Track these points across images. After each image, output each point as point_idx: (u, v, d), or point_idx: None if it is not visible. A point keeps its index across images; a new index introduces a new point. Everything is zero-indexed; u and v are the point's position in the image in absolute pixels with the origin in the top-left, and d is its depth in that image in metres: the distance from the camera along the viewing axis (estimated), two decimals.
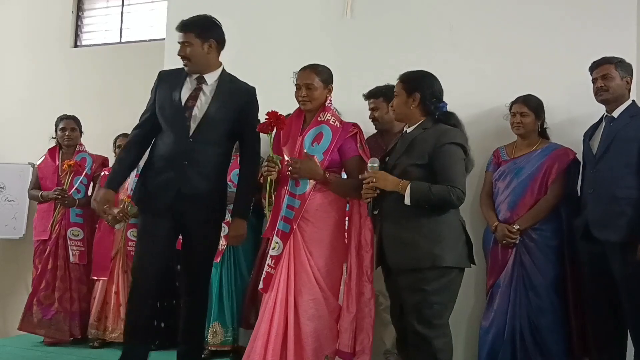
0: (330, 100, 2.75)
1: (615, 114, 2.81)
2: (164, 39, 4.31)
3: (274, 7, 4.04)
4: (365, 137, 3.45)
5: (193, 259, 2.83)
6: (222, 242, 3.55)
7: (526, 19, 3.42)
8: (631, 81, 2.85)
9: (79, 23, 5.25)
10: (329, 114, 2.70)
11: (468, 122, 3.28)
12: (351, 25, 3.80)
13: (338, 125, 2.68)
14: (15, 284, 4.96)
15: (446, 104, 2.54)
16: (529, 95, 3.13)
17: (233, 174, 3.67)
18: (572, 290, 2.94)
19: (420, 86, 2.51)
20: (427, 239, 2.36)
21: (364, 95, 3.37)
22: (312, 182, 2.63)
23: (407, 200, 2.36)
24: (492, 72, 3.43)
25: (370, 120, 3.37)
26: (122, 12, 5.19)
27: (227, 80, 2.80)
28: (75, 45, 5.22)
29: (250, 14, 4.08)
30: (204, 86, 2.75)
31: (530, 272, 2.97)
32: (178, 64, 2.82)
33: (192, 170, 2.69)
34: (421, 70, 2.56)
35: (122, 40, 5.13)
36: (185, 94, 2.74)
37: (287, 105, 3.69)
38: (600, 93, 2.82)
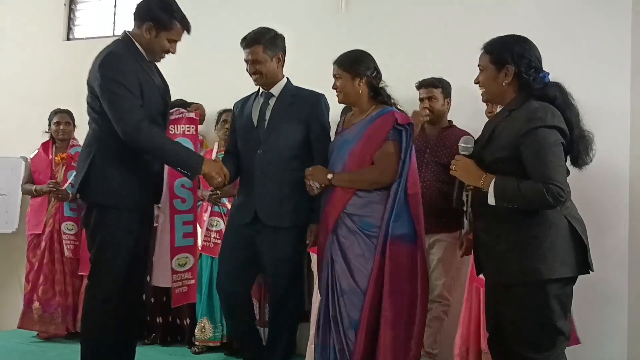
0: None
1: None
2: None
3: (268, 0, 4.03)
4: None
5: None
6: (216, 236, 3.58)
7: (520, 14, 3.43)
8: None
9: (72, 16, 5.20)
10: None
11: (464, 117, 3.32)
12: (346, 18, 3.82)
13: None
14: (7, 278, 4.93)
15: (547, 73, 2.10)
16: (341, 56, 2.62)
17: None
18: (372, 289, 2.41)
19: (514, 56, 2.04)
20: (519, 248, 1.97)
21: (417, 83, 3.27)
22: None
23: (490, 200, 1.96)
24: None
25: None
26: (115, 5, 5.14)
27: None
28: (68, 39, 5.17)
29: (245, 7, 4.07)
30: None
31: (339, 271, 2.43)
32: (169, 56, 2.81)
33: None
34: (511, 35, 2.11)
35: (115, 34, 5.08)
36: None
37: None
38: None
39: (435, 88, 3.25)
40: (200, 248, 3.55)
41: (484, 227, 2.12)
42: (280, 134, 2.71)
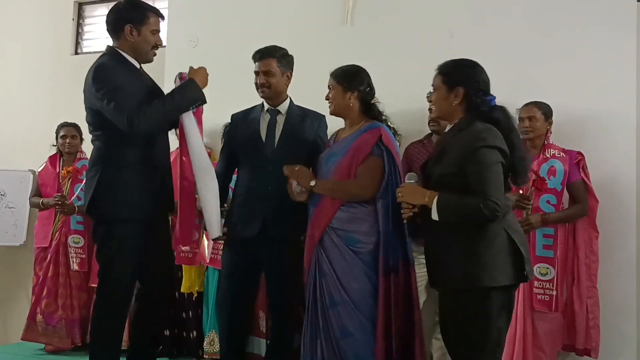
0: None
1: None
2: (164, 45, 4.31)
3: (274, 15, 4.05)
4: (410, 142, 3.42)
5: None
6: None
7: (525, 24, 3.45)
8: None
9: (80, 30, 5.25)
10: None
11: None
12: (351, 32, 3.82)
13: None
14: (15, 291, 4.95)
15: (494, 97, 2.22)
16: (337, 69, 2.69)
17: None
18: (382, 307, 2.41)
19: (465, 79, 2.20)
20: (463, 257, 2.08)
21: (429, 93, 3.17)
22: None
23: (434, 215, 2.09)
24: (491, 78, 3.43)
25: (429, 120, 3.28)
26: None
27: None
28: (76, 53, 5.22)
29: (250, 22, 4.10)
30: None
31: (330, 283, 2.46)
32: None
33: None
34: (463, 60, 2.27)
35: None
36: None
37: None
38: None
39: None
40: (207, 261, 3.57)
41: (431, 240, 2.24)
42: (291, 152, 2.78)
